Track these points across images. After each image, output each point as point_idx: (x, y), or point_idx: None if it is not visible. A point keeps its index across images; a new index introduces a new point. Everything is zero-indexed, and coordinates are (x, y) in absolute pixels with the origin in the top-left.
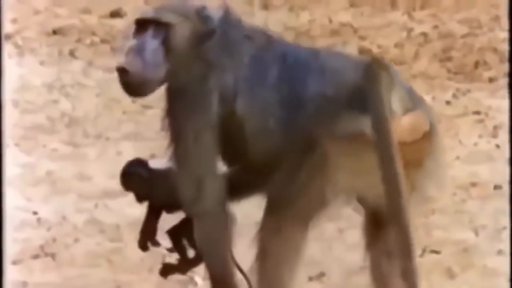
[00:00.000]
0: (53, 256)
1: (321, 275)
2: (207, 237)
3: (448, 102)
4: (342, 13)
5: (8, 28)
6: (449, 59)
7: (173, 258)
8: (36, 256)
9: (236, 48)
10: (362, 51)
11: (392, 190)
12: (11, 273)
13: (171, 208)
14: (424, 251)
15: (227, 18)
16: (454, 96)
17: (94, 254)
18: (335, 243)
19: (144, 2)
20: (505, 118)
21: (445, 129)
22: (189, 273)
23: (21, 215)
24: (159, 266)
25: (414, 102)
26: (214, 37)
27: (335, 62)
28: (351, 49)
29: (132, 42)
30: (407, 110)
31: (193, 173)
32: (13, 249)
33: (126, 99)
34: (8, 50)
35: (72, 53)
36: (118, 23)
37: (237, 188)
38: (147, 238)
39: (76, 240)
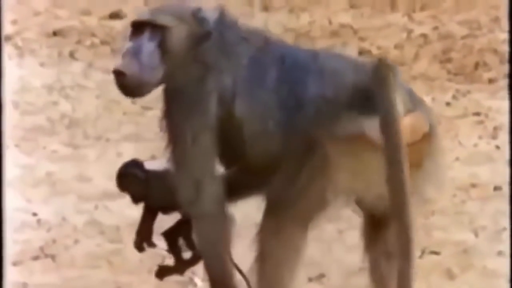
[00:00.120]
0: (53, 257)
1: (321, 276)
2: (206, 239)
3: (448, 103)
4: (342, 14)
5: (8, 29)
6: (449, 60)
7: (173, 259)
8: (36, 257)
9: (233, 50)
10: (361, 52)
11: (397, 192)
12: (11, 274)
13: (167, 209)
14: (424, 252)
15: (223, 19)
16: (454, 97)
17: (94, 255)
18: (334, 244)
19: (144, 3)
20: (505, 119)
21: (445, 130)
22: (188, 274)
23: (21, 216)
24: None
25: (414, 103)
26: (210, 39)
27: (334, 64)
28: (351, 50)
29: (128, 44)
30: (407, 111)
31: (191, 174)
32: (13, 250)
33: (126, 100)
34: (8, 52)
35: (72, 55)
36: (118, 24)
37: (235, 189)
38: (143, 239)
39: (76, 241)
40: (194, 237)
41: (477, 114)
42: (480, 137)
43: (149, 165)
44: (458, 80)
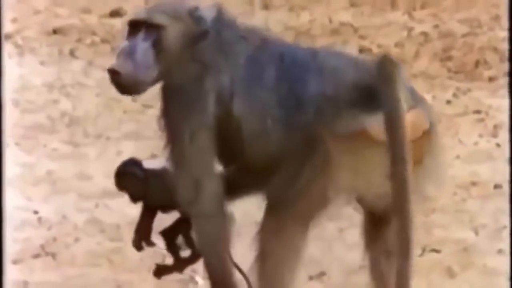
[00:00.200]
0: (53, 255)
1: (321, 274)
2: (205, 238)
3: (448, 101)
4: (342, 13)
5: (8, 28)
6: (450, 58)
7: (172, 258)
8: (36, 256)
9: (231, 49)
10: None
11: (399, 189)
12: (11, 273)
13: (166, 208)
14: (424, 250)
15: (221, 18)
16: (455, 95)
17: (95, 253)
18: (335, 242)
19: (144, 2)
20: (506, 117)
21: (446, 128)
22: (189, 273)
23: (21, 214)
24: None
25: (414, 100)
26: (207, 38)
27: (334, 61)
28: (352, 49)
29: (124, 43)
30: (409, 108)
31: (190, 174)
32: (13, 249)
33: (126, 98)
34: (8, 50)
35: (72, 53)
36: (118, 22)
37: (233, 188)
38: (141, 238)
39: (77, 240)
40: (193, 235)
41: (478, 112)
42: (480, 135)
43: (148, 164)
44: (458, 78)
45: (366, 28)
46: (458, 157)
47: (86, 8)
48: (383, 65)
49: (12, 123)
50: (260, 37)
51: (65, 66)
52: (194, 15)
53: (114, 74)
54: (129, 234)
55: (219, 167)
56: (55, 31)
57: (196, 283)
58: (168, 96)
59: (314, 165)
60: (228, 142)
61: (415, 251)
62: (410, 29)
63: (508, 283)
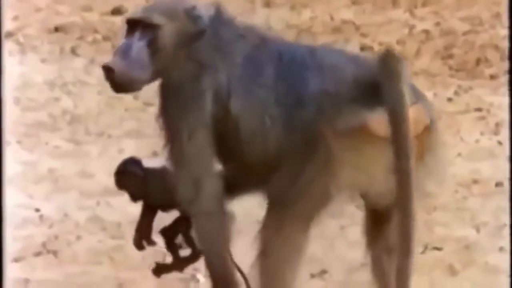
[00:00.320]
0: (55, 253)
1: (323, 272)
2: (206, 236)
3: (449, 99)
4: (344, 11)
5: (9, 25)
6: (451, 56)
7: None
8: (38, 253)
9: (228, 48)
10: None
11: (403, 183)
12: (13, 271)
13: (166, 207)
14: (425, 248)
15: (219, 17)
16: (456, 93)
17: (96, 251)
18: (337, 240)
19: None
20: (507, 115)
21: (447, 126)
22: (191, 271)
23: (23, 212)
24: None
25: (415, 96)
26: (204, 37)
27: (333, 58)
28: (353, 47)
29: (121, 41)
30: (410, 104)
31: (190, 172)
32: (15, 247)
33: (127, 96)
34: (9, 48)
35: (73, 51)
36: (119, 20)
37: (233, 187)
38: (142, 237)
39: (78, 238)
40: (193, 234)
41: (479, 110)
42: (481, 133)
43: (148, 163)
44: (460, 76)
45: (367, 26)
46: (459, 155)
47: (88, 6)
48: (386, 60)
49: (14, 121)
50: (259, 36)
51: (66, 64)
52: (191, 14)
53: (108, 71)
54: (130, 232)
55: (218, 166)
56: (56, 29)
57: (198, 281)
58: (166, 95)
59: (316, 163)
60: (226, 141)
61: (416, 248)
62: (411, 27)
63: (509, 281)
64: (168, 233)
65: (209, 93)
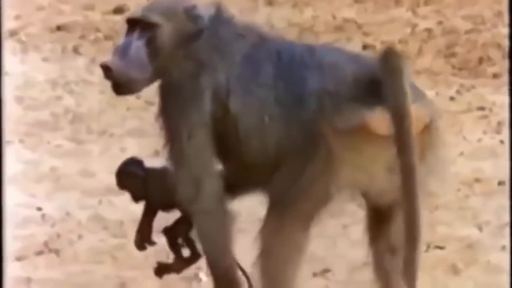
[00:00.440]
0: (57, 252)
1: (325, 271)
2: (207, 235)
3: (452, 98)
4: (346, 9)
5: (11, 24)
6: (453, 55)
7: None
8: (40, 252)
9: (228, 47)
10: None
11: (407, 178)
12: (15, 270)
13: (168, 207)
14: (428, 247)
15: (219, 16)
16: (458, 92)
17: (98, 250)
18: (339, 239)
19: None
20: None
21: (449, 125)
22: (193, 270)
23: (25, 211)
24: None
25: (415, 95)
26: (202, 36)
27: (333, 57)
28: (355, 45)
29: (121, 41)
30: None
31: (190, 172)
32: (17, 246)
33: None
34: (11, 47)
35: (75, 50)
36: (121, 19)
37: (233, 186)
38: (143, 237)
39: (80, 237)
40: (194, 234)
41: (481, 108)
42: (484, 132)
43: (149, 163)
44: (462, 75)
45: (369, 25)
46: (461, 153)
47: (90, 5)
48: (388, 57)
49: (16, 120)
50: (258, 35)
51: (68, 62)
52: (190, 13)
53: (106, 70)
54: (132, 231)
55: (218, 165)
56: (58, 28)
57: (200, 280)
58: (165, 95)
59: (316, 162)
60: (226, 140)
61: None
62: (413, 26)
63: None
64: (171, 233)
65: (208, 93)
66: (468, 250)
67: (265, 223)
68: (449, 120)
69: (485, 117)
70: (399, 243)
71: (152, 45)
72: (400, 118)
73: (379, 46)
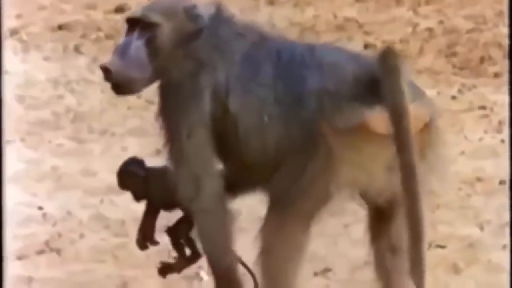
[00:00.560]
0: (58, 251)
1: (326, 270)
2: (207, 234)
3: (453, 97)
4: (347, 9)
5: (13, 23)
6: (454, 54)
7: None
8: (41, 252)
9: (227, 46)
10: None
11: (407, 175)
12: (16, 269)
13: (169, 206)
14: (429, 246)
15: (219, 15)
16: (460, 91)
17: (100, 249)
18: (340, 238)
19: None
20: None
21: (451, 124)
22: (195, 269)
23: (26, 210)
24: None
25: (414, 94)
26: (202, 36)
27: (332, 56)
28: (356, 45)
29: (121, 41)
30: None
31: (190, 171)
32: (18, 245)
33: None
34: (13, 46)
35: (77, 49)
36: (122, 18)
37: (234, 185)
38: (145, 237)
39: (81, 236)
40: (194, 234)
41: (483, 108)
42: (485, 131)
43: (150, 162)
44: (463, 74)
45: (371, 24)
46: (463, 153)
47: (91, 4)
48: (386, 57)
49: (17, 119)
50: (258, 34)
51: (69, 62)
52: (190, 13)
53: (105, 72)
54: (134, 230)
55: (219, 164)
56: (60, 27)
57: (201, 279)
58: (165, 94)
59: (316, 162)
60: (225, 140)
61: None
62: (415, 25)
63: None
64: (174, 232)
65: (208, 92)
66: (469, 249)
67: (265, 222)
68: (450, 119)
69: (486, 116)
70: (400, 242)
71: (152, 44)
72: (398, 118)
73: (380, 46)
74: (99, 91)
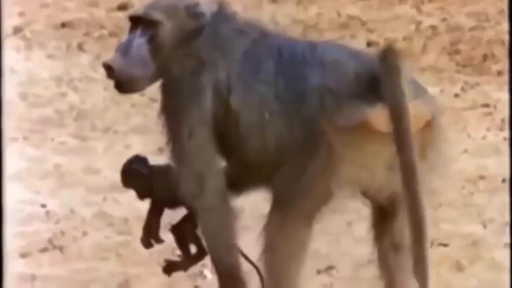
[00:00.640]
0: (61, 249)
1: (330, 268)
2: (211, 231)
3: (456, 95)
4: (350, 6)
5: (16, 21)
6: (458, 52)
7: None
8: (44, 249)
9: (228, 44)
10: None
11: (408, 174)
12: (19, 266)
13: (173, 204)
14: (432, 244)
15: (221, 13)
16: (463, 89)
17: (103, 247)
18: (343, 236)
19: None
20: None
21: (454, 122)
22: (198, 267)
23: (29, 208)
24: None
25: (415, 92)
26: (203, 34)
27: (334, 54)
28: (359, 42)
29: (124, 39)
30: (410, 100)
31: (192, 169)
32: (21, 242)
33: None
34: (16, 44)
35: (80, 46)
36: (126, 16)
37: (237, 183)
38: (150, 235)
39: (85, 233)
40: (199, 231)
41: (486, 106)
42: (488, 129)
43: (154, 161)
44: (466, 72)
45: (374, 22)
46: (466, 151)
47: (94, 2)
48: (386, 56)
49: (20, 117)
50: (259, 31)
51: (72, 59)
52: (191, 11)
53: (108, 70)
54: (137, 228)
55: (221, 162)
56: (63, 25)
57: (205, 277)
58: (166, 92)
59: (317, 160)
60: (227, 137)
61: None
62: (418, 23)
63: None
64: (178, 230)
65: (209, 90)
66: (472, 247)
67: (268, 220)
68: (453, 117)
69: (489, 114)
70: (403, 241)
71: (154, 42)
72: (398, 117)
73: (383, 43)
74: (102, 89)
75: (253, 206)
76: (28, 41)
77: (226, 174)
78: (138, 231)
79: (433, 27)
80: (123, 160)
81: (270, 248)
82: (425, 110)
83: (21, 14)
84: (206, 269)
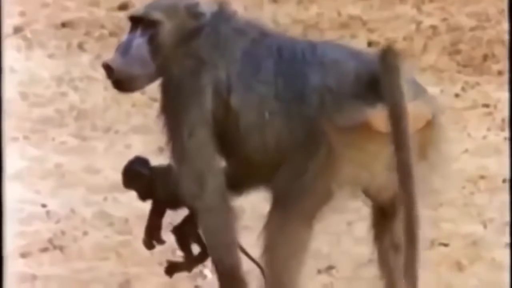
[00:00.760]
0: (61, 249)
1: (330, 268)
2: (211, 231)
3: (457, 95)
4: (351, 6)
5: (16, 21)
6: (458, 52)
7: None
8: (44, 249)
9: (228, 44)
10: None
11: (404, 175)
12: (19, 266)
13: (174, 205)
14: (432, 244)
15: (221, 13)
16: (463, 89)
17: (103, 247)
18: (343, 236)
19: None
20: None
21: (454, 122)
22: (198, 267)
23: (29, 208)
24: (168, 259)
25: (415, 92)
26: (203, 34)
27: (334, 53)
28: (360, 42)
29: (124, 38)
30: (409, 100)
31: (192, 169)
32: (21, 242)
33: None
34: (16, 43)
35: (80, 46)
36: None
37: (237, 183)
38: (151, 236)
39: (85, 233)
40: (200, 230)
41: (486, 105)
42: (488, 129)
43: (154, 161)
44: (467, 72)
45: (374, 22)
46: (466, 150)
47: (94, 1)
48: (386, 56)
49: (20, 117)
50: (259, 31)
51: (73, 59)
52: (192, 11)
53: (107, 70)
54: (138, 228)
55: (221, 162)
56: (63, 25)
57: (205, 277)
58: (166, 92)
59: (317, 160)
60: (227, 137)
61: (423, 244)
62: (418, 23)
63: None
64: (180, 231)
65: (209, 89)
66: (472, 247)
67: (268, 220)
68: (453, 117)
69: (490, 114)
70: (402, 241)
71: (154, 42)
72: (397, 117)
73: (384, 43)
74: (103, 89)
75: (253, 206)
76: (28, 40)
77: (226, 174)
78: (138, 231)
79: (434, 27)
80: (123, 159)
81: (271, 248)
82: (425, 110)
83: (22, 13)
84: (206, 269)
